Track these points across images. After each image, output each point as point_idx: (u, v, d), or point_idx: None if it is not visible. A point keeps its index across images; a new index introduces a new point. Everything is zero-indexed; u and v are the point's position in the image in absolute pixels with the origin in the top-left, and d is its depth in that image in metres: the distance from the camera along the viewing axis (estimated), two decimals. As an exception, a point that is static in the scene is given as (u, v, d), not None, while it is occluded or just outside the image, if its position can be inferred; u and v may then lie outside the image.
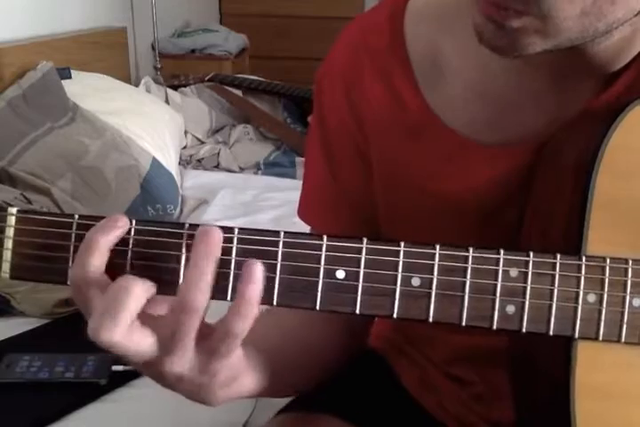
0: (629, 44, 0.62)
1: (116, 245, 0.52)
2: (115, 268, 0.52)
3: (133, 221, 0.53)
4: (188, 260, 0.52)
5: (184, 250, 0.52)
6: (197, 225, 0.52)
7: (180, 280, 0.52)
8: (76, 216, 0.52)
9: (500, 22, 0.55)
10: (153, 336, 0.51)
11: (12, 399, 1.15)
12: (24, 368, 1.19)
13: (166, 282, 0.52)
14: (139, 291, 0.50)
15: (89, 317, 0.51)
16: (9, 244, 0.52)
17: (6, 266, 0.53)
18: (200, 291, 0.50)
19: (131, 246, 0.52)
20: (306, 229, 0.81)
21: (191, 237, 0.52)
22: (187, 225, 0.52)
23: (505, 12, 0.55)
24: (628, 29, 0.59)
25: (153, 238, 0.52)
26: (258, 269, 0.51)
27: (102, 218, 0.53)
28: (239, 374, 0.58)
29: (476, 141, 0.69)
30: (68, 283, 0.52)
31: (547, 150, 0.65)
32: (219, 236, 0.51)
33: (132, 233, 0.52)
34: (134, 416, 1.15)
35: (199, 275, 0.50)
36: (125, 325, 0.49)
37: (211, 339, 0.52)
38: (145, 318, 0.51)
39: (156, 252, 0.52)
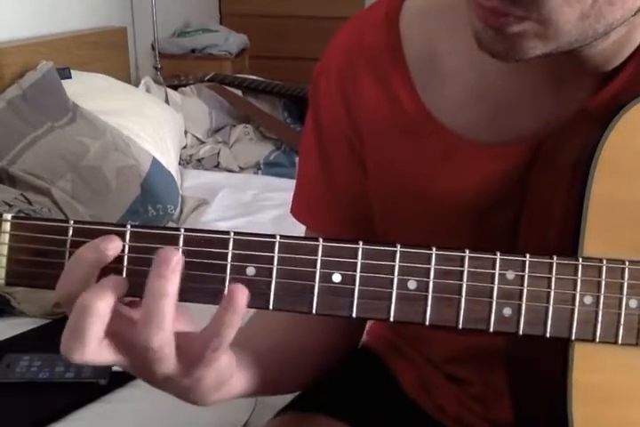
0: (625, 44, 0.62)
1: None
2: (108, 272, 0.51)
3: (128, 227, 0.52)
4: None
5: (181, 255, 0.51)
6: (191, 229, 0.52)
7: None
8: (72, 222, 0.52)
9: (500, 28, 0.55)
10: (124, 349, 0.51)
11: (12, 399, 1.15)
12: (24, 368, 1.19)
13: None
14: (101, 308, 0.48)
15: None
16: (4, 250, 0.52)
17: (1, 272, 0.52)
18: (163, 305, 0.49)
19: (127, 252, 0.52)
20: (302, 228, 0.81)
21: (187, 242, 0.52)
22: (182, 230, 0.52)
23: (505, 19, 0.54)
24: (623, 29, 0.59)
25: (147, 244, 0.52)
26: (243, 294, 0.49)
27: (98, 223, 0.53)
28: (229, 377, 0.58)
29: (472, 141, 0.68)
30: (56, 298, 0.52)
31: (544, 150, 0.65)
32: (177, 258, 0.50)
33: (128, 238, 0.52)
34: (134, 416, 1.15)
35: (162, 287, 0.49)
36: (93, 344, 0.49)
37: (193, 347, 0.51)
38: (118, 324, 0.50)
39: (150, 257, 0.51)
